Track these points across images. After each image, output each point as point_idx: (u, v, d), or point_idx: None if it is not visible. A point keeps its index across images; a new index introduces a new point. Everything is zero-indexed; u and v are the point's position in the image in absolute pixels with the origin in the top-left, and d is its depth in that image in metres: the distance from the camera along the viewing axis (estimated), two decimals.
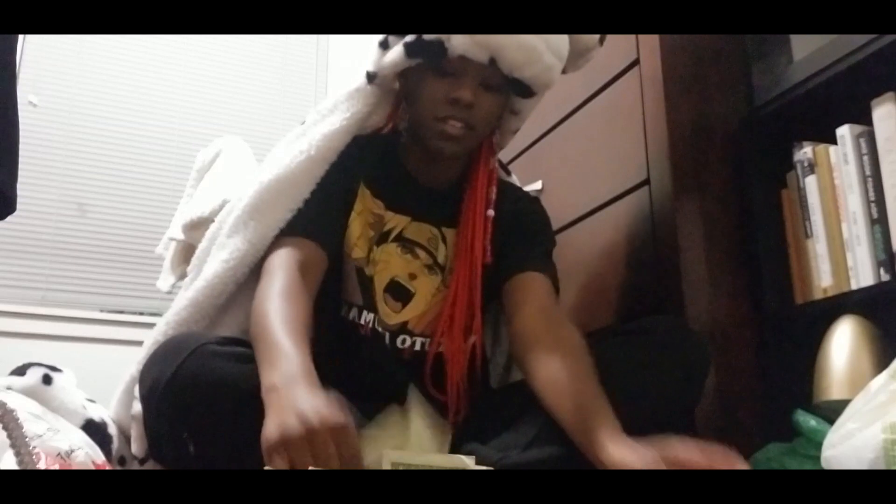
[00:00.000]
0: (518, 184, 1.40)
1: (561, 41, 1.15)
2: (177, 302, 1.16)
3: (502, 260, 1.22)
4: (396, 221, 1.20)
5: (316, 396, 0.82)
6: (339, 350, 1.15)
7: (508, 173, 1.39)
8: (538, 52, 1.10)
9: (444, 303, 1.17)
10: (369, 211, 1.19)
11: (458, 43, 1.07)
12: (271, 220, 1.13)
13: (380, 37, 1.16)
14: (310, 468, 0.75)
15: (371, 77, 1.19)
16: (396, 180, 1.22)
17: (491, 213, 1.20)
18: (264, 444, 0.78)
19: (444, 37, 1.07)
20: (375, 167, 1.21)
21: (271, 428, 0.78)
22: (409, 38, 1.10)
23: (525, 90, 1.15)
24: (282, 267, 1.06)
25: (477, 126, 1.13)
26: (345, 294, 1.17)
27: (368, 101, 1.21)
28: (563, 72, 1.20)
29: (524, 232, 1.26)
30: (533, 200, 1.34)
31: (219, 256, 1.14)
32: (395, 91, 1.23)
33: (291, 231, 1.12)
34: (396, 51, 1.12)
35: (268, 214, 1.13)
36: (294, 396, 0.82)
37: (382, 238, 1.19)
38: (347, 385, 0.98)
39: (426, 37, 1.08)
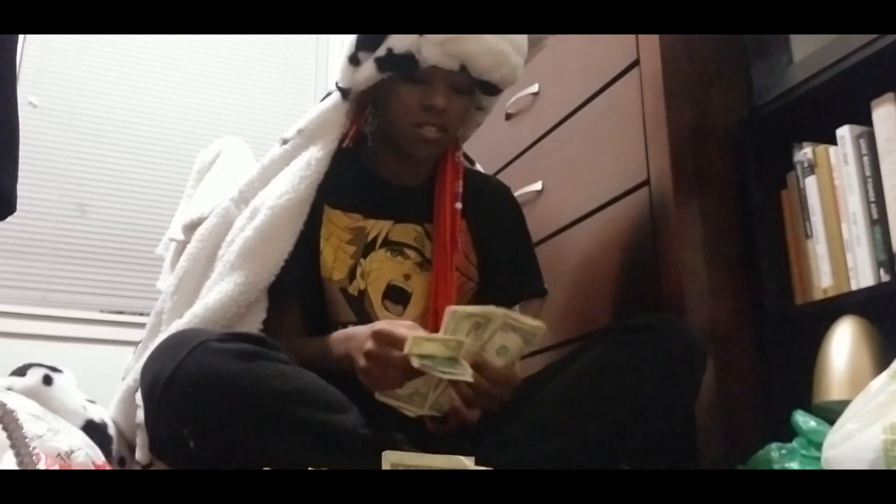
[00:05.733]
0: (482, 170, 1.46)
1: (522, 39, 1.19)
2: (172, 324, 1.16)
3: (496, 274, 1.27)
4: (380, 227, 1.21)
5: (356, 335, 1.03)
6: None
7: (472, 162, 1.43)
8: (505, 54, 1.15)
9: (427, 298, 1.18)
10: (343, 229, 1.20)
11: (430, 54, 1.11)
12: (276, 251, 1.15)
13: (347, 52, 1.18)
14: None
15: (345, 93, 1.22)
16: (370, 187, 1.24)
17: (459, 205, 1.23)
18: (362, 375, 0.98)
19: (414, 49, 1.11)
20: (343, 182, 1.22)
21: (358, 374, 0.98)
22: (380, 52, 1.13)
23: (492, 89, 1.21)
24: (289, 332, 1.15)
25: (450, 128, 1.19)
26: (336, 317, 1.17)
27: (343, 118, 1.24)
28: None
29: (508, 236, 1.31)
30: (504, 189, 1.39)
31: (232, 278, 1.14)
32: (358, 99, 1.25)
33: (282, 294, 1.16)
34: (368, 66, 1.16)
35: (273, 244, 1.15)
36: (349, 343, 1.03)
37: (369, 247, 1.20)
38: (368, 400, 0.99)
39: (397, 50, 1.11)
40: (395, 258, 1.20)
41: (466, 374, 0.92)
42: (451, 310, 0.92)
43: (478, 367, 0.94)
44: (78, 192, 2.59)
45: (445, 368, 0.90)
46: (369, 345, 0.95)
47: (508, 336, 0.95)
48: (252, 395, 0.93)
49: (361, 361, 0.96)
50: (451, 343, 0.91)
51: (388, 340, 0.94)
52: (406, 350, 0.90)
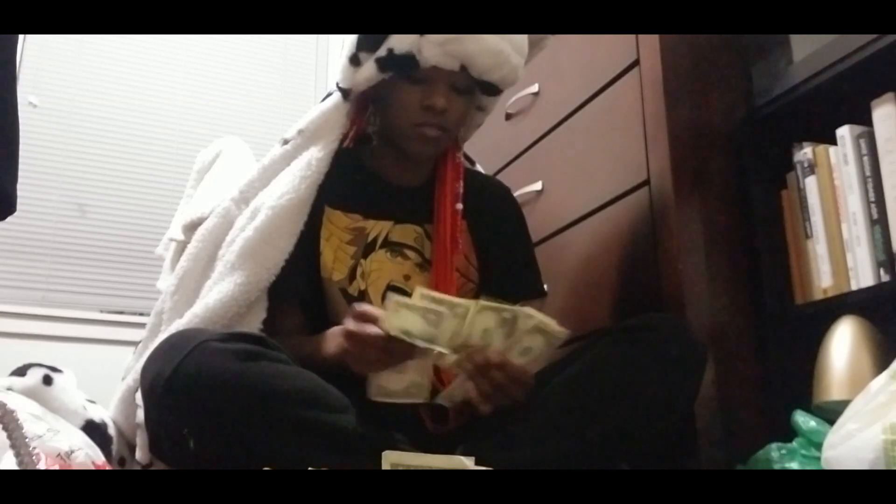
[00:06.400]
0: (483, 171, 1.46)
1: (522, 39, 1.19)
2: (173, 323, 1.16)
3: (496, 274, 1.27)
4: (380, 228, 1.21)
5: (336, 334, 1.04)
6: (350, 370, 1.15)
7: (473, 163, 1.43)
8: (505, 55, 1.15)
9: None
10: (343, 230, 1.20)
11: (430, 55, 1.11)
12: (276, 250, 1.15)
13: (348, 52, 1.18)
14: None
15: (346, 94, 1.22)
16: (370, 188, 1.24)
17: (459, 206, 1.23)
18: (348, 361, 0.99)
19: (414, 49, 1.11)
20: (344, 183, 1.22)
21: (344, 359, 0.99)
22: (381, 52, 1.13)
23: (493, 89, 1.20)
24: (289, 332, 1.16)
25: (451, 128, 1.19)
26: (336, 317, 1.16)
27: (344, 118, 1.24)
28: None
29: (508, 237, 1.32)
30: (504, 190, 1.39)
31: (233, 278, 1.14)
32: (358, 99, 1.25)
33: (282, 295, 1.17)
34: (369, 66, 1.16)
35: (273, 244, 1.15)
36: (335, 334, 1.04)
37: (369, 248, 1.20)
38: (368, 400, 0.99)
39: (397, 51, 1.11)
40: (394, 259, 1.20)
41: (446, 349, 0.93)
42: (475, 304, 0.93)
43: (500, 364, 0.95)
44: (78, 192, 2.59)
45: (424, 339, 0.91)
46: (349, 324, 0.96)
47: (535, 338, 0.96)
48: (252, 395, 0.93)
49: (344, 343, 0.97)
50: (430, 316, 0.91)
51: (365, 318, 0.95)
52: (386, 321, 0.91)
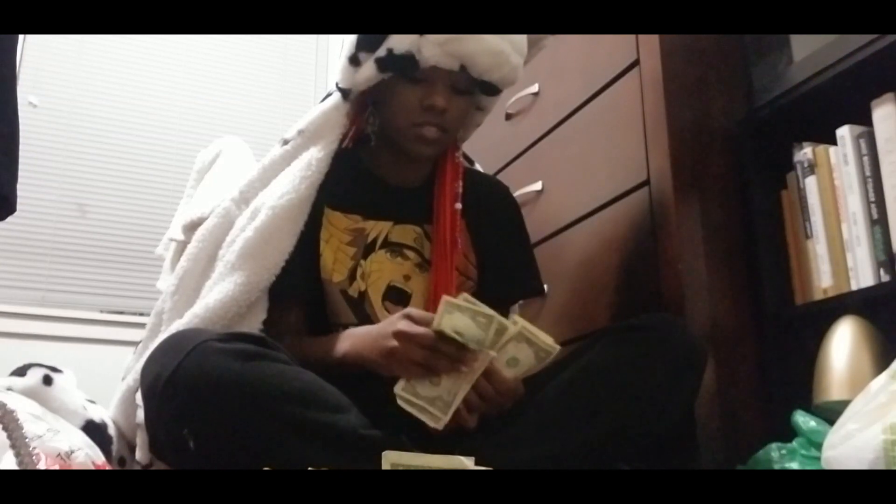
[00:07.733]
0: (481, 170, 1.46)
1: (522, 39, 1.19)
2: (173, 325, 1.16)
3: (495, 273, 1.27)
4: (380, 228, 1.21)
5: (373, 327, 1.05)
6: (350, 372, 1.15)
7: (472, 162, 1.43)
8: (505, 54, 1.15)
9: (427, 299, 1.19)
10: (343, 231, 1.20)
11: (430, 54, 1.11)
12: (276, 250, 1.15)
13: (348, 52, 1.18)
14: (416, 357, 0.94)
15: (346, 94, 1.22)
16: (369, 188, 1.24)
17: (458, 206, 1.23)
18: (385, 365, 0.98)
19: (414, 49, 1.11)
20: (343, 183, 1.22)
21: (380, 360, 0.99)
22: (380, 52, 1.13)
23: (492, 89, 1.21)
24: (289, 333, 1.15)
25: (450, 128, 1.19)
26: (336, 318, 1.17)
27: (344, 118, 1.24)
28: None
29: (508, 236, 1.32)
30: (503, 189, 1.40)
31: (233, 278, 1.14)
32: (358, 100, 1.25)
33: (283, 295, 1.16)
34: (368, 66, 1.16)
35: (273, 245, 1.15)
36: (368, 336, 1.03)
37: (369, 249, 1.20)
38: (368, 400, 0.99)
39: (397, 51, 1.11)
40: (394, 259, 1.20)
41: (494, 353, 0.93)
42: (461, 298, 0.93)
43: (487, 374, 0.95)
44: (78, 192, 2.59)
45: (474, 341, 0.92)
46: (401, 325, 0.97)
47: (521, 348, 0.95)
48: (252, 395, 0.93)
49: (390, 343, 0.97)
50: (481, 319, 0.91)
51: (415, 320, 0.96)
52: (436, 321, 0.92)
